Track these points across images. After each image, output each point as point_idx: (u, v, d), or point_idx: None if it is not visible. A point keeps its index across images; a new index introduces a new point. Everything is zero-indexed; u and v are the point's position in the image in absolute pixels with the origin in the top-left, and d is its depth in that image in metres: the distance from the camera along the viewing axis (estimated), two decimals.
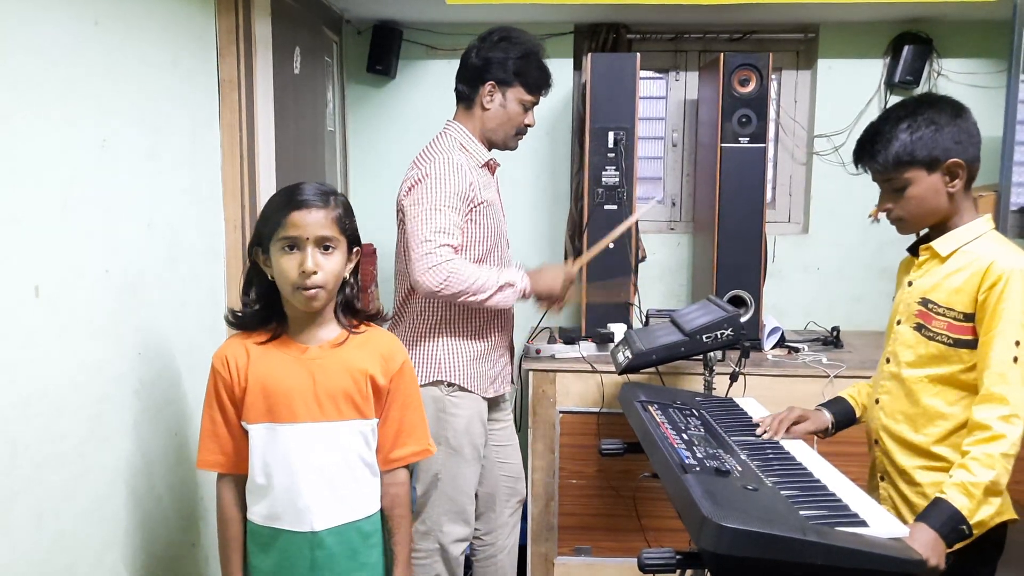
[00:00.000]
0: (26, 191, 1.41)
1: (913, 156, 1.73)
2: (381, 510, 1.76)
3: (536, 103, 2.49)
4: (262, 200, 2.33)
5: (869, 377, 2.05)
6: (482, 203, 2.39)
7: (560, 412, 2.94)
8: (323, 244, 1.64)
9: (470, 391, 2.43)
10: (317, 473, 1.66)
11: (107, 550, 1.67)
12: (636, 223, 3.16)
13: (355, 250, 1.73)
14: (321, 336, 1.71)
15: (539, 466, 2.96)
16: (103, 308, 1.65)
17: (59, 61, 1.50)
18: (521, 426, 3.01)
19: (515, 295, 2.34)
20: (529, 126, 2.51)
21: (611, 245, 2.97)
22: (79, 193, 1.56)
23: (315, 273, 1.61)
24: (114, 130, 1.68)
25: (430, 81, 3.53)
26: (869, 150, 1.80)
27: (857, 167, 1.85)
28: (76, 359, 1.56)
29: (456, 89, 2.49)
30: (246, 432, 1.69)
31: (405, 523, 1.79)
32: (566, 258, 3.54)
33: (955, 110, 1.76)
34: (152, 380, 1.84)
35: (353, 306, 1.75)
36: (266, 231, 1.66)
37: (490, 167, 2.51)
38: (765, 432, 1.98)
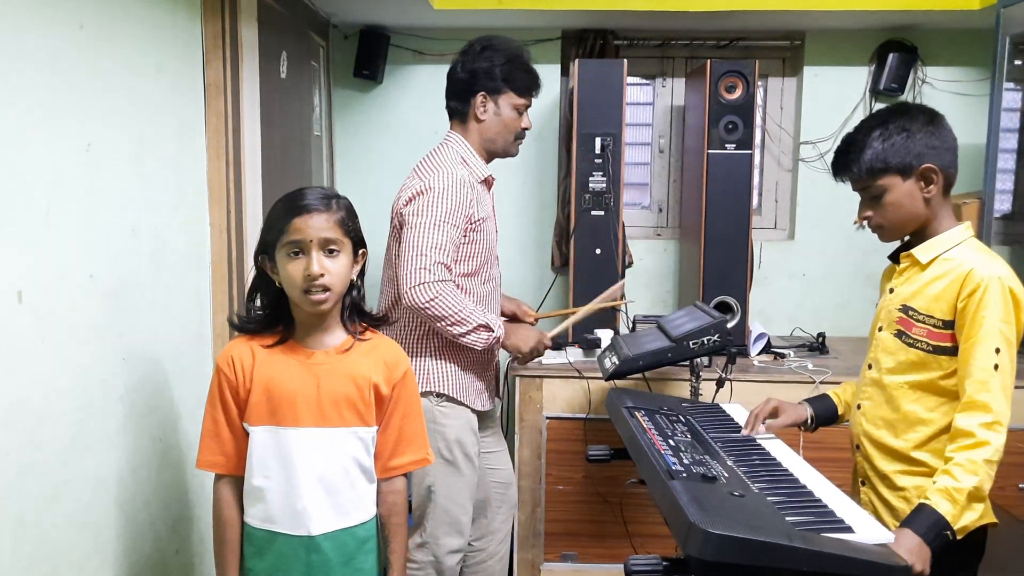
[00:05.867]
0: (9, 196, 1.40)
1: (887, 163, 1.75)
2: (377, 517, 1.76)
3: (529, 105, 2.50)
4: (248, 205, 2.33)
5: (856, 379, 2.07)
6: (480, 220, 2.39)
7: (547, 418, 2.94)
8: (327, 247, 1.64)
9: (460, 402, 2.43)
10: (316, 478, 1.66)
11: (90, 557, 1.66)
12: (625, 233, 3.17)
13: (361, 252, 1.73)
14: (327, 342, 1.72)
15: (525, 472, 2.96)
16: (87, 314, 1.64)
17: (43, 65, 1.49)
18: (508, 432, 3.01)
19: (490, 339, 2.35)
20: (526, 129, 2.51)
21: (598, 250, 2.99)
22: (63, 198, 1.55)
23: (321, 276, 1.62)
24: (99, 134, 1.67)
25: (417, 86, 3.52)
26: (844, 160, 1.82)
27: (836, 178, 1.87)
28: (59, 365, 1.55)
29: (448, 106, 2.49)
30: (247, 433, 1.69)
31: (402, 531, 1.79)
32: (552, 264, 3.55)
33: (928, 117, 1.78)
34: (136, 386, 1.83)
35: (361, 308, 1.76)
36: (270, 238, 1.66)
37: (488, 183, 2.51)
38: (748, 429, 2.01)
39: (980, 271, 1.69)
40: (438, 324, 2.28)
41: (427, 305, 2.24)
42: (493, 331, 2.35)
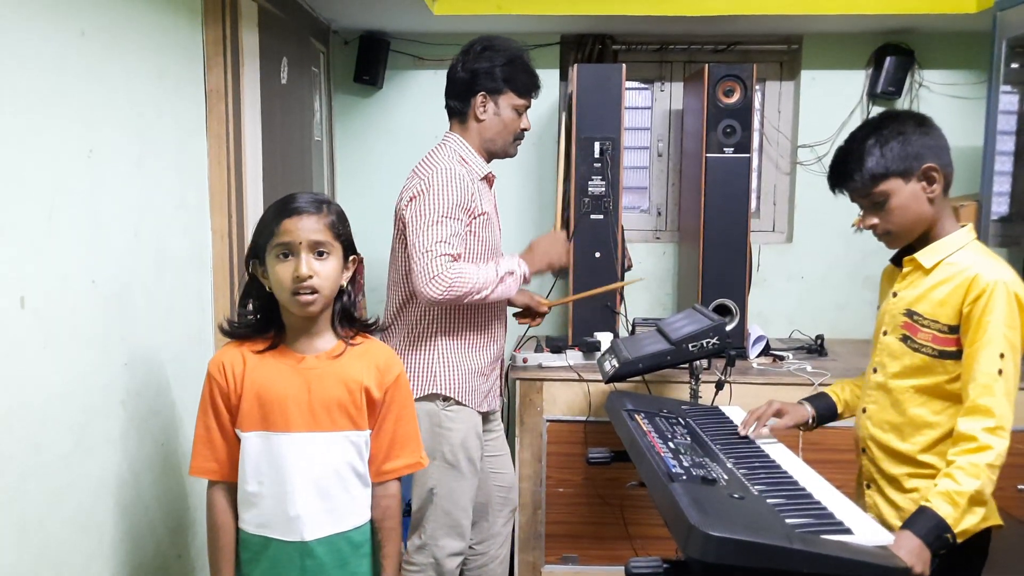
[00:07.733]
0: (11, 201, 1.41)
1: (887, 168, 1.75)
2: (372, 521, 1.76)
3: (528, 106, 2.51)
4: (249, 210, 2.34)
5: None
6: (481, 215, 2.40)
7: (547, 421, 2.94)
8: (317, 249, 1.64)
9: (465, 405, 2.43)
10: (309, 483, 1.66)
11: (92, 561, 1.66)
12: (624, 237, 3.18)
13: (351, 258, 1.73)
14: (318, 346, 1.72)
15: (526, 474, 2.96)
16: (89, 318, 1.64)
17: (45, 71, 1.50)
18: (508, 435, 3.01)
19: (517, 282, 2.39)
20: (525, 130, 2.53)
21: (598, 253, 2.99)
22: (65, 203, 1.56)
23: (310, 277, 1.62)
24: (100, 140, 1.68)
25: (417, 91, 3.54)
26: (843, 172, 1.82)
27: (835, 192, 1.87)
28: (62, 370, 1.55)
29: (448, 105, 2.50)
30: (239, 440, 1.69)
31: (395, 535, 1.78)
32: None
33: (918, 120, 1.79)
34: (138, 390, 1.84)
35: (350, 314, 1.75)
36: (261, 241, 1.67)
37: (488, 180, 2.52)
38: (745, 429, 2.02)
39: (985, 276, 1.69)
40: (466, 300, 2.31)
41: (446, 293, 2.25)
42: (516, 272, 2.39)
